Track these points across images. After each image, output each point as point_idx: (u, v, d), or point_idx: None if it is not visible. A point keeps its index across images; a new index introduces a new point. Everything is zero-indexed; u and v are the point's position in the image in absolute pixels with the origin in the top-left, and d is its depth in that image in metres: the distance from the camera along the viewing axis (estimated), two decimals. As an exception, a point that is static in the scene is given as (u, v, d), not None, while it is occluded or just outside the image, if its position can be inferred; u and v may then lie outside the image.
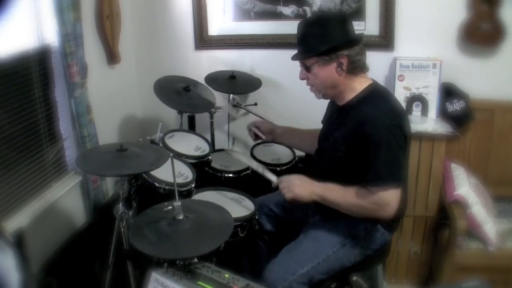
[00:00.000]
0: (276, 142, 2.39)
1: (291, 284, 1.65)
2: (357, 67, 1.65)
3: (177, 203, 1.47)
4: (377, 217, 1.63)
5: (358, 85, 1.68)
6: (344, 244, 1.72)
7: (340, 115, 1.73)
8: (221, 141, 2.76)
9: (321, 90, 1.72)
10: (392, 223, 1.75)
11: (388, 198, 1.56)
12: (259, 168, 1.88)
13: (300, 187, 1.70)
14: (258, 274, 1.72)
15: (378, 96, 1.67)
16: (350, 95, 1.69)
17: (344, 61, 1.62)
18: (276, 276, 1.66)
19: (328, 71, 1.64)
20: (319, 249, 1.72)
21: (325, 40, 1.60)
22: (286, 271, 1.66)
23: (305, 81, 1.74)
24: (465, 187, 2.23)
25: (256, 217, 1.86)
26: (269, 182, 1.83)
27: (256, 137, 2.18)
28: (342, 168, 1.68)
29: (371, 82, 1.71)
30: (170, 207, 1.47)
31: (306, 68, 1.69)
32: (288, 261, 1.70)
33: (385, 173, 1.55)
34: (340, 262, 1.73)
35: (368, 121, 1.57)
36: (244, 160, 2.00)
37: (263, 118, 2.42)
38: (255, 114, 2.57)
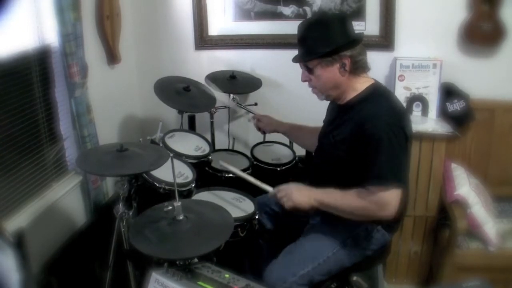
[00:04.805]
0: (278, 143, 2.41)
1: (291, 285, 1.64)
2: (359, 67, 1.65)
3: (177, 203, 1.46)
4: (377, 218, 1.61)
5: (359, 85, 1.68)
6: (344, 245, 1.72)
7: (340, 114, 1.73)
8: (221, 141, 2.76)
9: (323, 92, 1.71)
10: (393, 224, 1.75)
11: (388, 198, 1.54)
12: (257, 182, 1.85)
13: (298, 194, 1.69)
14: (258, 274, 1.72)
15: (379, 96, 1.66)
16: (351, 95, 1.69)
17: (347, 61, 1.62)
18: (277, 277, 1.65)
19: (331, 72, 1.64)
20: (319, 250, 1.71)
21: (327, 42, 1.60)
22: (286, 272, 1.66)
23: (306, 83, 1.74)
24: (466, 187, 2.23)
25: (257, 217, 1.85)
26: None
27: (259, 129, 2.28)
28: (341, 167, 1.68)
29: (372, 82, 1.71)
30: (170, 207, 1.47)
31: (308, 70, 1.68)
32: (289, 262, 1.69)
33: (385, 173, 1.54)
34: (340, 262, 1.73)
35: (369, 121, 1.57)
36: (239, 174, 1.95)
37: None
38: (254, 113, 2.56)
